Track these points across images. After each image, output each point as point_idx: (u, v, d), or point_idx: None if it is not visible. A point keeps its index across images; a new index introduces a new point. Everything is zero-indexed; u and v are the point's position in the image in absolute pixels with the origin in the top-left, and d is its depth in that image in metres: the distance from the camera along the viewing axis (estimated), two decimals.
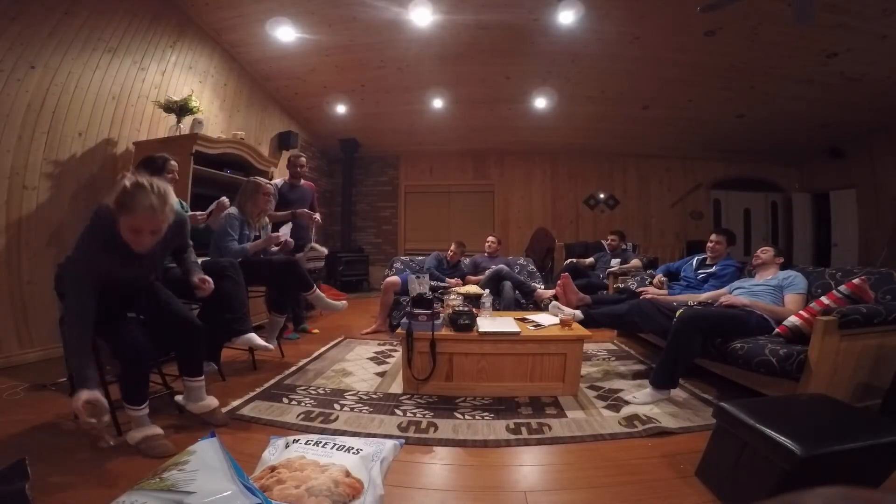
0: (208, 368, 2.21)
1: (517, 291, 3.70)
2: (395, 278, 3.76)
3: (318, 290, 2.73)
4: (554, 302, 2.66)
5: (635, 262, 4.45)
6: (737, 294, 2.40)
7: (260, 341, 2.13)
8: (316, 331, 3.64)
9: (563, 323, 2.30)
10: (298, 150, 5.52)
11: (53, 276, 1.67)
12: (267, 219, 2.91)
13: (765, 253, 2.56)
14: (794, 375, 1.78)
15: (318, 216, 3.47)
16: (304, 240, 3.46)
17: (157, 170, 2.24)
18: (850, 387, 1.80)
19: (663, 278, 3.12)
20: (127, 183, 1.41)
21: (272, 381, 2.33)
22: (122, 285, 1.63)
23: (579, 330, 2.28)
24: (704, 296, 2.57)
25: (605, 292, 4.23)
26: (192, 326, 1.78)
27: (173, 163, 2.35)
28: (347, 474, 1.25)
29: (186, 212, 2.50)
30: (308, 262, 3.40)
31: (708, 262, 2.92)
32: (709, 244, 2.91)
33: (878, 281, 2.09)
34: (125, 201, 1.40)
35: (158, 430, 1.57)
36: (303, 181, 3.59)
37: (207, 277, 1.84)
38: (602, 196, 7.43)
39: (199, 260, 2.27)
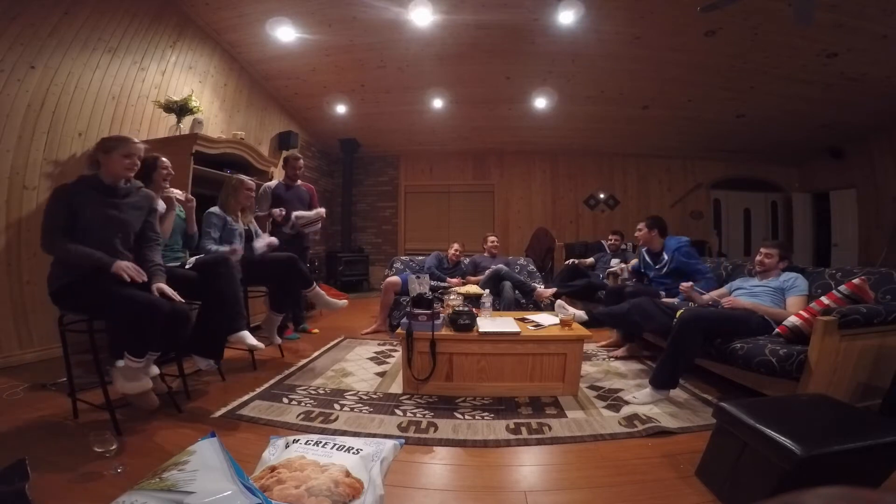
0: (209, 367, 2.21)
1: (517, 291, 3.70)
2: (395, 278, 3.76)
3: (317, 287, 2.74)
4: (559, 301, 2.64)
5: (635, 262, 4.44)
6: (737, 295, 2.40)
7: (252, 340, 2.11)
8: (316, 331, 3.64)
9: (563, 323, 2.30)
10: (298, 150, 5.52)
11: (47, 279, 1.70)
12: (251, 216, 2.92)
13: (769, 258, 2.36)
14: (794, 375, 1.78)
15: (322, 210, 3.56)
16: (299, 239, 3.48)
17: (150, 168, 2.22)
18: (850, 387, 1.80)
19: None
20: (103, 142, 1.79)
21: (272, 381, 2.33)
22: (108, 228, 1.74)
23: (579, 330, 2.28)
24: (707, 296, 2.57)
25: (604, 293, 4.22)
26: (183, 314, 1.87)
27: (164, 160, 2.32)
28: (347, 474, 1.25)
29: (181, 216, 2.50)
30: (304, 229, 3.40)
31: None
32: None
33: (878, 281, 2.09)
34: (110, 144, 1.77)
35: (149, 384, 1.70)
36: (300, 182, 3.60)
37: (168, 290, 1.79)
38: (602, 196, 7.43)
39: (193, 259, 2.28)
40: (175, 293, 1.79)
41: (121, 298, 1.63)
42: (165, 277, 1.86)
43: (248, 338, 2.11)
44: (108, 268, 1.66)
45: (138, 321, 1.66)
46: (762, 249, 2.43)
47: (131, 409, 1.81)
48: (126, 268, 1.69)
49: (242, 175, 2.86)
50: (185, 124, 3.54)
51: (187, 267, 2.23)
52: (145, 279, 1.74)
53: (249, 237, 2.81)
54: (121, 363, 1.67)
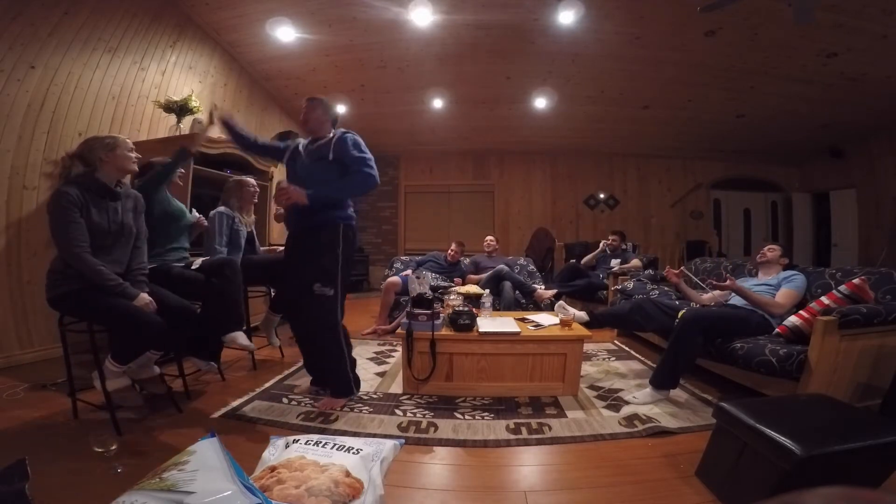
0: (209, 367, 2.21)
1: (517, 291, 3.70)
2: (395, 278, 3.76)
3: None
4: (560, 302, 2.64)
5: (635, 262, 4.45)
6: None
7: (244, 340, 2.10)
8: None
9: (563, 323, 2.29)
10: None
11: (46, 285, 1.69)
12: (254, 216, 2.91)
13: (772, 251, 2.45)
14: (794, 375, 1.78)
15: None
16: None
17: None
18: (850, 387, 1.80)
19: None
20: (96, 141, 1.77)
21: (272, 381, 2.34)
22: (114, 233, 1.76)
23: (579, 330, 2.28)
24: (707, 296, 2.57)
25: (604, 293, 4.24)
26: (189, 312, 1.95)
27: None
28: (347, 474, 1.25)
29: (193, 218, 2.49)
30: None
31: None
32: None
33: (878, 281, 2.09)
34: (108, 142, 1.77)
35: (127, 382, 1.76)
36: None
37: (145, 303, 1.75)
38: (602, 196, 7.43)
39: (199, 260, 2.27)
40: (151, 305, 1.75)
41: (119, 312, 1.65)
42: (146, 284, 1.85)
43: (241, 338, 2.10)
44: (131, 298, 1.69)
45: (130, 335, 1.70)
46: (766, 247, 2.51)
47: (132, 409, 1.83)
48: (147, 304, 1.72)
49: (243, 176, 2.87)
50: (185, 124, 3.54)
51: (193, 268, 2.23)
52: (155, 307, 1.76)
53: (251, 239, 2.82)
54: (106, 362, 1.71)
